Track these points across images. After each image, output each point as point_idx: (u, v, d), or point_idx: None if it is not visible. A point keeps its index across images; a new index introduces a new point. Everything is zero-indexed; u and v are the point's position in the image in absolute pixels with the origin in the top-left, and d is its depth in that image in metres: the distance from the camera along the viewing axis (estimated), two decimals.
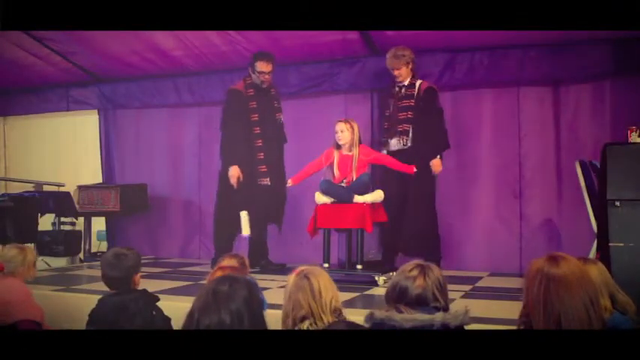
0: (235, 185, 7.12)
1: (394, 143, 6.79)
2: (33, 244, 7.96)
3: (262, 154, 7.15)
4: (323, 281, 3.18)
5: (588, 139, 7.08)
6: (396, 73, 6.80)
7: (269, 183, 7.13)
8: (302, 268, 3.32)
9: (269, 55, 7.24)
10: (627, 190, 4.84)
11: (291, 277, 3.26)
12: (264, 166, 7.15)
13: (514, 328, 2.97)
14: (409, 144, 6.72)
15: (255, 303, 2.48)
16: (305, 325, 3.09)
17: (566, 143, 7.26)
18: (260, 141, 7.17)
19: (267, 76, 7.20)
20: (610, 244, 4.86)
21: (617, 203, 4.86)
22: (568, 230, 7.11)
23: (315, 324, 3.07)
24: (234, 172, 7.13)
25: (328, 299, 3.13)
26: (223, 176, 7.25)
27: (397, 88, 6.90)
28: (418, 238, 6.78)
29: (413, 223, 6.78)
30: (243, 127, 7.17)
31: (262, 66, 7.16)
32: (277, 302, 4.98)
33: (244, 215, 7.03)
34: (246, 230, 7.02)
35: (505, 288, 6.02)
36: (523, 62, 7.25)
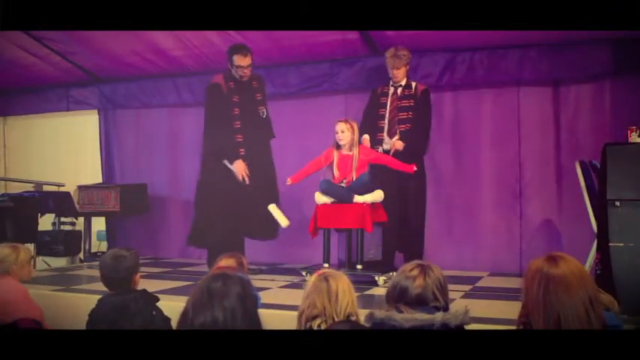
0: (247, 180, 6.79)
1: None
2: (33, 244, 8.00)
3: (242, 150, 6.84)
4: (342, 285, 3.18)
5: (588, 139, 7.08)
6: (395, 72, 6.79)
7: (247, 182, 6.81)
8: (325, 270, 3.34)
9: (245, 47, 6.94)
10: (627, 190, 4.83)
11: (312, 278, 3.29)
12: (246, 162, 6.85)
13: (514, 328, 2.97)
14: (407, 143, 6.72)
15: (249, 300, 2.48)
16: (316, 324, 3.09)
17: (566, 143, 7.26)
18: (240, 136, 6.84)
19: (245, 70, 6.89)
20: (610, 244, 4.85)
21: (617, 203, 4.85)
22: (568, 230, 7.11)
23: (326, 323, 3.08)
24: (240, 167, 6.79)
25: (344, 304, 3.14)
26: (210, 175, 6.99)
27: (393, 88, 6.90)
28: (416, 236, 6.84)
29: (413, 223, 6.80)
30: (228, 121, 6.86)
31: (239, 60, 6.84)
32: (277, 302, 5.03)
33: (274, 208, 6.76)
34: (284, 221, 6.72)
35: (505, 288, 6.03)
36: (523, 62, 7.25)
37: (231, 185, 6.82)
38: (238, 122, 6.85)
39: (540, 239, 7.28)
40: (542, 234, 7.32)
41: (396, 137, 6.70)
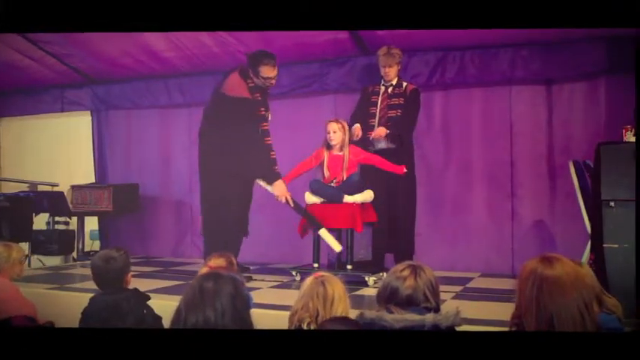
0: (292, 204, 6.40)
1: (383, 141, 6.75)
2: (28, 243, 8.19)
3: (277, 167, 6.46)
4: (337, 291, 3.19)
5: (582, 138, 7.02)
6: (387, 70, 6.77)
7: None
8: (321, 273, 3.33)
9: (271, 57, 6.42)
10: (622, 191, 4.79)
11: (309, 280, 3.28)
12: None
13: (506, 329, 2.96)
14: (397, 143, 6.70)
15: (240, 300, 2.48)
16: (305, 323, 3.10)
17: (560, 143, 7.23)
18: (273, 153, 6.41)
19: (273, 81, 6.46)
20: (604, 245, 4.82)
21: (612, 204, 4.82)
22: (561, 231, 7.07)
23: (315, 324, 3.08)
24: (282, 189, 6.41)
25: (339, 310, 3.14)
26: (236, 197, 6.49)
27: (384, 87, 6.89)
28: (406, 236, 6.84)
29: (403, 223, 6.79)
30: (260, 137, 6.36)
31: (267, 72, 6.36)
32: (269, 302, 5.02)
33: (325, 232, 6.33)
34: (337, 247, 6.31)
35: (496, 289, 6.00)
36: (515, 61, 7.21)
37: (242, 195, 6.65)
38: (269, 138, 6.43)
39: (533, 240, 7.24)
40: (535, 234, 7.28)
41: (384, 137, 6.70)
